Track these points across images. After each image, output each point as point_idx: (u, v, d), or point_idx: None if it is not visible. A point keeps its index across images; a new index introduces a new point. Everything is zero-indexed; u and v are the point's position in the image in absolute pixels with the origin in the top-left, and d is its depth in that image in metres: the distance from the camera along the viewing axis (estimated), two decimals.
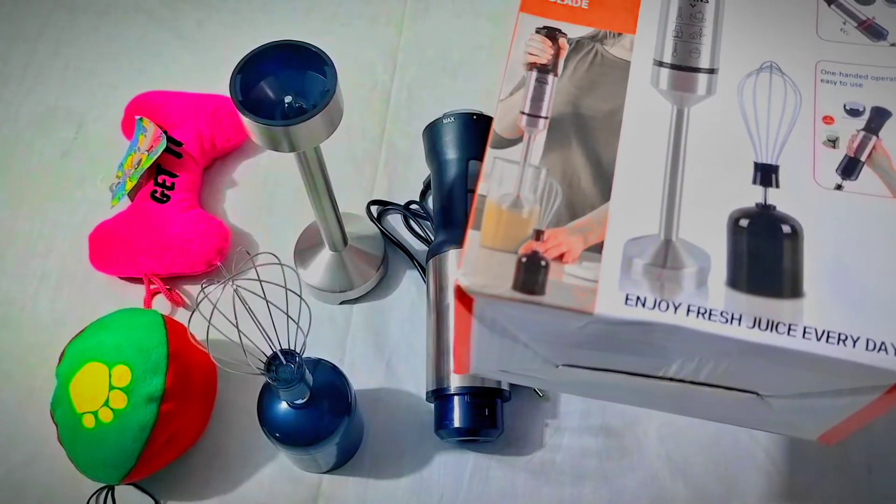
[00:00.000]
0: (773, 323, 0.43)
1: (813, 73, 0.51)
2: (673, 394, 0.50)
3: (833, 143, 0.48)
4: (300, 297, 0.55)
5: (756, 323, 0.43)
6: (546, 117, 0.50)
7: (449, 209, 0.74)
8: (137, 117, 0.81)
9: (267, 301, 0.55)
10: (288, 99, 0.58)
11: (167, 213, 0.78)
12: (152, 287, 0.77)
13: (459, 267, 0.45)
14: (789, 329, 0.43)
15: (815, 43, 0.52)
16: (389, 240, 0.79)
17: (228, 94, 0.55)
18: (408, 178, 0.83)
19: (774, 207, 0.46)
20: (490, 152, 0.49)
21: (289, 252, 0.77)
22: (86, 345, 0.68)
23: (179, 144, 0.80)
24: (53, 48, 0.94)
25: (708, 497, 0.67)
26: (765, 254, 0.45)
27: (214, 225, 0.78)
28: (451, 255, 0.71)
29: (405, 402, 0.72)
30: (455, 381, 0.67)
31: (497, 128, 0.49)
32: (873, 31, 0.52)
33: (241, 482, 0.70)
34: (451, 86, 0.89)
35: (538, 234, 0.46)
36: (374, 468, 0.70)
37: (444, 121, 0.77)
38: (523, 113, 0.50)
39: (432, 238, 0.78)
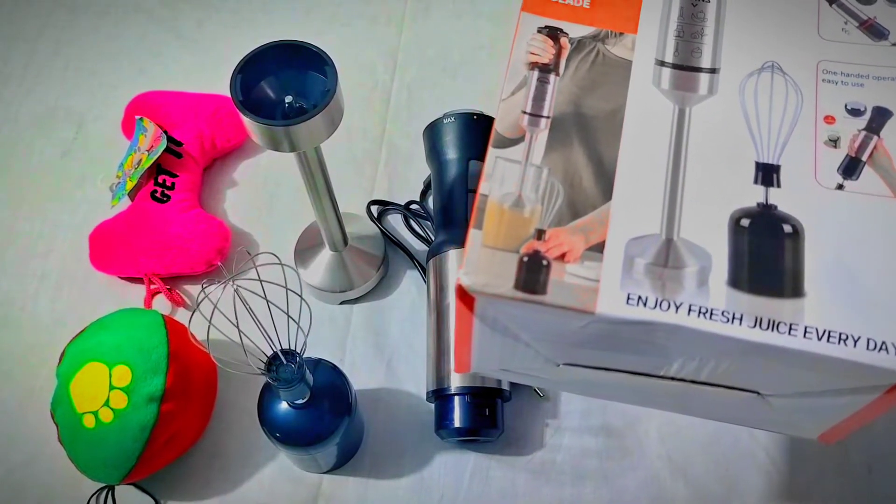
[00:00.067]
0: (773, 322, 0.43)
1: (814, 73, 0.51)
2: (674, 393, 0.50)
3: (834, 142, 0.48)
4: (301, 297, 0.55)
5: (757, 322, 0.43)
6: (548, 117, 0.50)
7: (449, 209, 0.74)
8: (137, 117, 0.81)
9: (267, 301, 0.55)
10: (288, 99, 0.58)
11: (167, 213, 0.77)
12: (152, 287, 0.77)
13: (461, 266, 0.45)
14: (790, 329, 0.43)
15: (817, 43, 0.52)
16: (390, 240, 0.79)
17: (229, 94, 0.55)
18: (408, 178, 0.83)
19: (776, 207, 0.46)
20: (492, 152, 0.49)
21: (289, 252, 0.77)
22: (86, 345, 0.68)
23: (180, 144, 0.80)
24: (53, 48, 0.93)
25: (708, 497, 0.67)
26: (766, 253, 0.45)
27: (215, 225, 0.78)
28: (452, 254, 0.71)
29: (405, 402, 0.72)
30: (455, 381, 0.67)
31: (499, 127, 0.49)
32: (875, 31, 0.52)
33: (241, 482, 0.70)
34: (451, 86, 0.89)
35: (540, 234, 0.46)
36: (375, 468, 0.70)
37: (445, 121, 0.77)
38: (525, 112, 0.50)
39: (432, 238, 0.78)
